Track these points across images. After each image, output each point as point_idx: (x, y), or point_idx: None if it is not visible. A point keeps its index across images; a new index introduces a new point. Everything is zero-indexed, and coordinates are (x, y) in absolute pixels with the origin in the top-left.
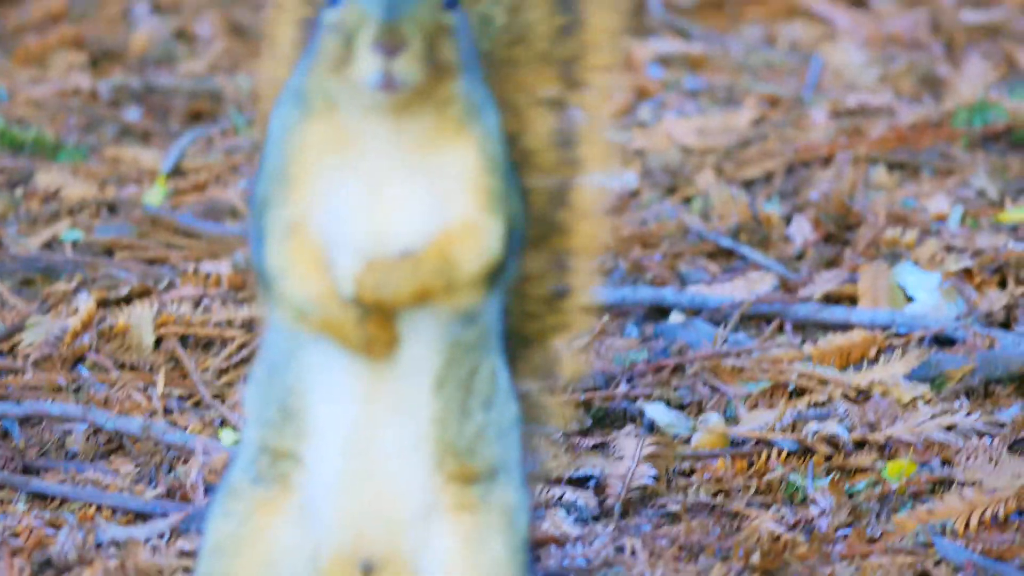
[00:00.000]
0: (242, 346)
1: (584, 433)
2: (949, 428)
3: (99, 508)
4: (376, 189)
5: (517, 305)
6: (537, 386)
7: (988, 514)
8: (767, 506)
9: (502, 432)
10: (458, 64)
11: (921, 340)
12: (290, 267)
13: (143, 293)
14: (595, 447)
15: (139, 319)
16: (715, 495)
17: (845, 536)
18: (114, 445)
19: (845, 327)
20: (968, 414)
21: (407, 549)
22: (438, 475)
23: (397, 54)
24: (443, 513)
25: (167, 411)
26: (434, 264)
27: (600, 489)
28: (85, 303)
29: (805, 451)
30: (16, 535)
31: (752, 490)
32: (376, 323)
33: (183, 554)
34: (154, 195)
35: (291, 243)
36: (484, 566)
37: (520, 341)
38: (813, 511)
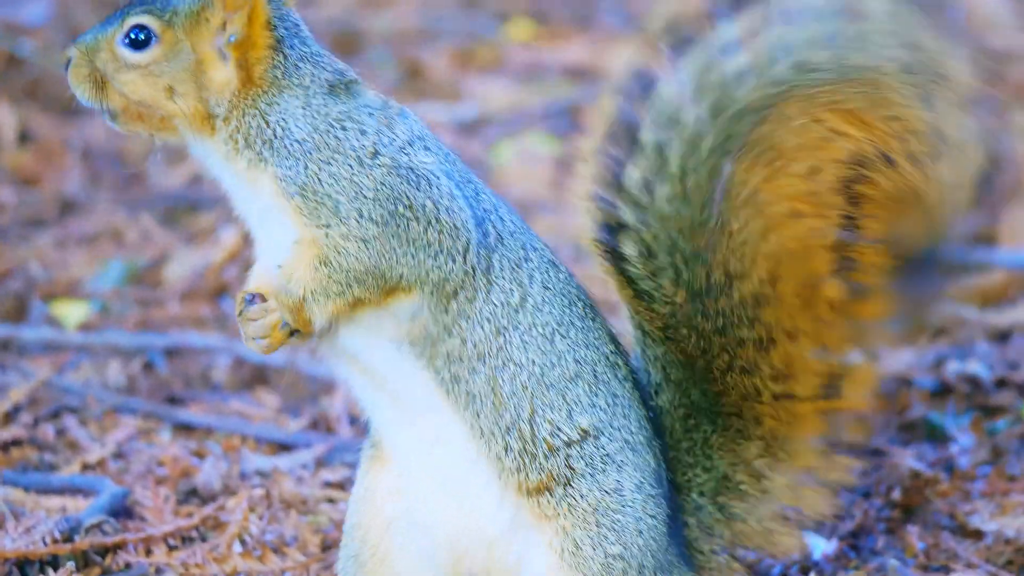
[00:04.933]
0: None
1: None
2: None
3: (243, 439)
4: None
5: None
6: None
7: None
8: (908, 444)
9: (570, 440)
10: (131, 88)
11: None
12: None
13: None
14: None
15: None
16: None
17: (985, 474)
18: (258, 377)
19: (986, 268)
20: None
21: (505, 565)
22: (509, 489)
23: (68, 74)
24: (529, 527)
25: None
26: None
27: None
28: (229, 236)
29: (946, 390)
30: (162, 464)
31: (893, 428)
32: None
33: (327, 484)
34: None
35: None
36: (579, 568)
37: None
38: (953, 449)
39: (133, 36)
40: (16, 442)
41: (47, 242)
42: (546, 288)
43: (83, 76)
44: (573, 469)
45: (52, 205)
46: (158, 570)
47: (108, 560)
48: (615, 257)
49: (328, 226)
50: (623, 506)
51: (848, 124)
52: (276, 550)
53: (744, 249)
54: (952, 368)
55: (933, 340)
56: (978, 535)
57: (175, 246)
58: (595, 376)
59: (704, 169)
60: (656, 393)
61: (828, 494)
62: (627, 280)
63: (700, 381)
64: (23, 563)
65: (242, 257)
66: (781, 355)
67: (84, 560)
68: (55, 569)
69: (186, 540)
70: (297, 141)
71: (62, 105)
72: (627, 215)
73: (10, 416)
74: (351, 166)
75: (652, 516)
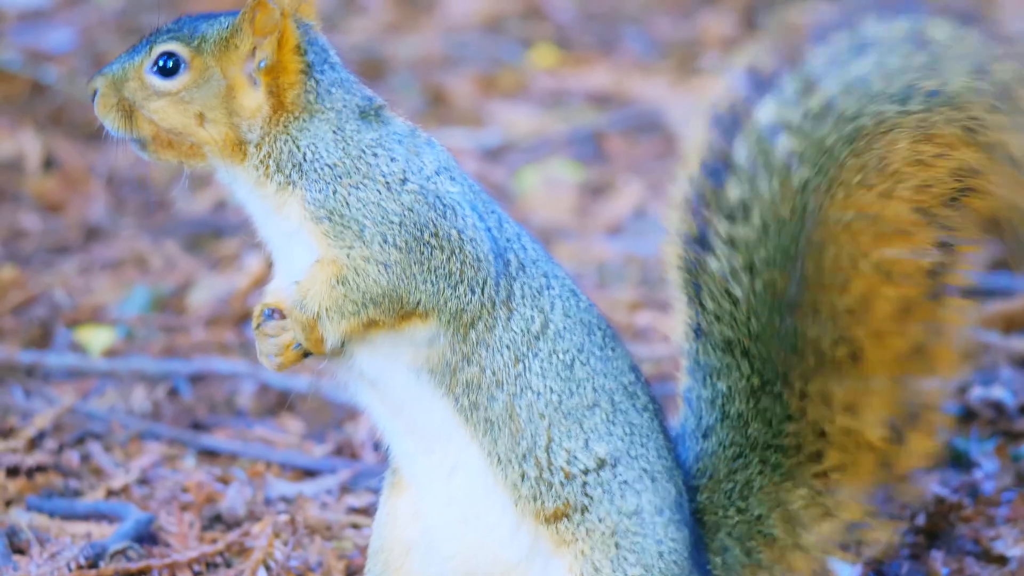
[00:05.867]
0: None
1: None
2: None
3: (268, 464)
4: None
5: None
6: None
7: None
8: (932, 469)
9: (586, 469)
10: (165, 119)
11: None
12: None
13: None
14: None
15: None
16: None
17: (1009, 499)
18: (282, 403)
19: (1009, 294)
20: None
21: None
22: (526, 516)
23: (95, 105)
24: (547, 553)
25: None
26: None
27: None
28: (253, 262)
29: (970, 415)
30: (186, 490)
31: None
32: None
33: (352, 510)
34: None
35: None
36: None
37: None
38: (977, 475)
39: (162, 64)
40: (41, 468)
41: (72, 268)
42: (567, 316)
43: (111, 106)
44: (590, 496)
45: (77, 231)
46: None
47: None
48: (695, 271)
49: (351, 247)
50: (643, 528)
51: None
52: None
53: (837, 269)
54: (976, 394)
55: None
56: (1002, 561)
57: (199, 272)
58: (613, 405)
59: (794, 199)
60: (704, 436)
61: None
62: (699, 303)
63: (764, 410)
64: None
65: (265, 283)
66: (857, 379)
67: None
68: None
69: (211, 566)
70: (328, 166)
71: (86, 132)
72: (721, 229)
73: (35, 442)
74: (379, 191)
75: (673, 540)
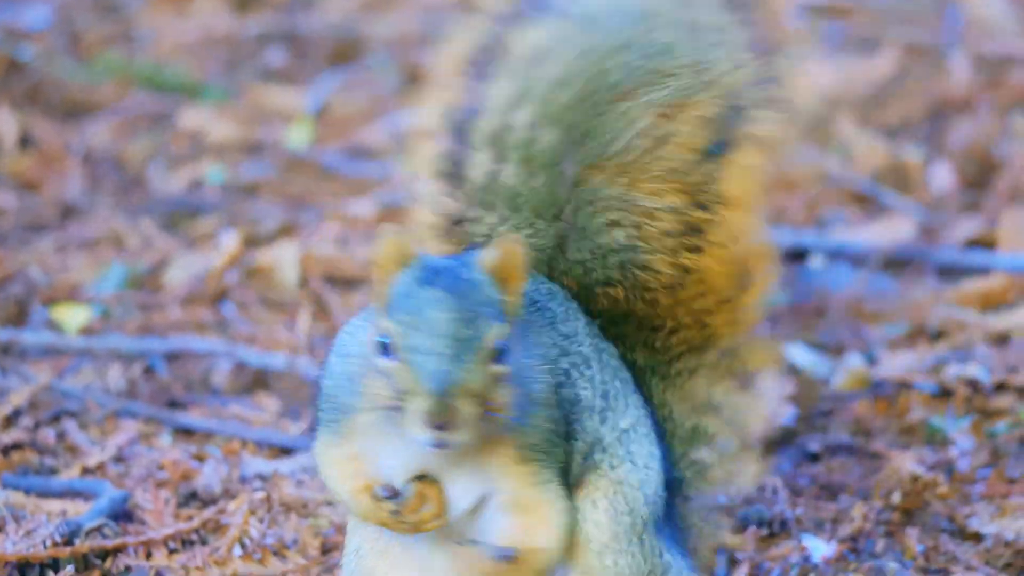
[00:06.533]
0: None
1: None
2: None
3: (244, 442)
4: (429, 471)
5: (687, 314)
6: (729, 392)
7: None
8: (907, 447)
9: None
10: (508, 406)
11: None
12: (333, 471)
13: (287, 232)
14: (736, 387)
15: (283, 258)
16: (855, 436)
17: (985, 477)
18: (258, 381)
19: (985, 271)
20: None
21: None
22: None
23: (447, 429)
24: None
25: (311, 348)
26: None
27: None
28: (229, 241)
29: (946, 393)
30: (162, 468)
31: (892, 431)
32: (411, 511)
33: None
34: (297, 136)
35: (338, 460)
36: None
37: (692, 348)
38: (953, 452)
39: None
40: (16, 446)
41: (48, 247)
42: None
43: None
44: (612, 460)
45: (53, 210)
46: (158, 573)
47: (108, 563)
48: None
49: None
50: (639, 477)
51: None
52: (276, 553)
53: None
54: (952, 371)
55: (933, 343)
56: (977, 538)
57: (176, 251)
58: (623, 382)
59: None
60: None
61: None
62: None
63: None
64: (23, 566)
65: (242, 262)
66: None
67: (84, 563)
68: (55, 572)
69: (186, 543)
70: None
71: (63, 110)
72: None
73: (10, 420)
74: None
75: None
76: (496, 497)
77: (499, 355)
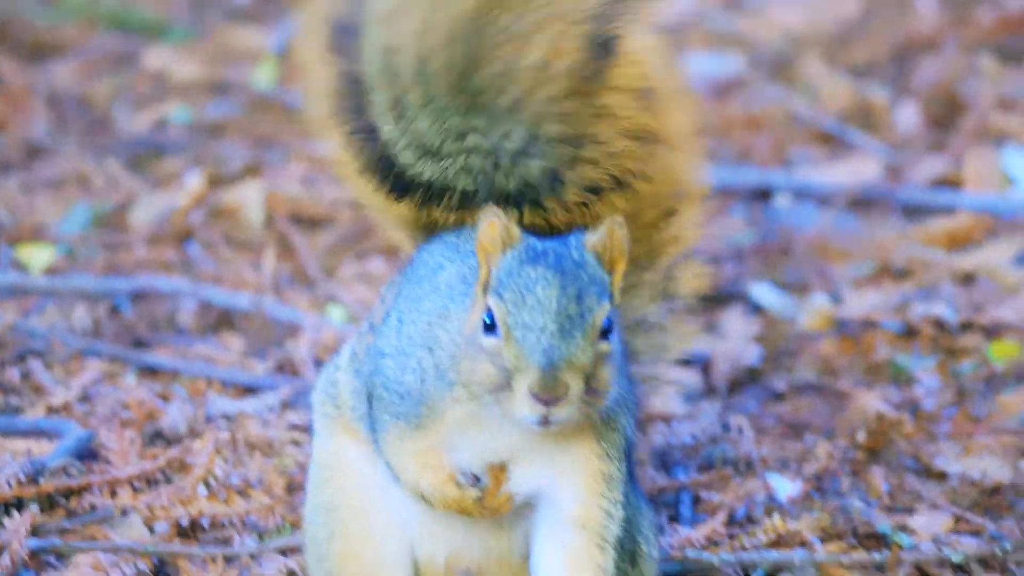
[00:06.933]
0: (350, 225)
1: (691, 313)
2: None
3: (209, 382)
4: (503, 455)
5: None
6: (658, 308)
7: None
8: (873, 386)
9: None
10: (611, 386)
11: None
12: (411, 465)
13: (252, 172)
14: (702, 327)
15: (248, 197)
16: (821, 375)
17: (950, 416)
18: (224, 321)
19: (951, 211)
20: None
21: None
22: None
23: (556, 404)
24: None
25: (276, 288)
26: None
27: (707, 368)
28: (195, 181)
29: (911, 332)
30: (127, 407)
31: (858, 370)
32: (492, 497)
33: (292, 427)
34: (263, 76)
35: (415, 454)
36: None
37: (634, 266)
38: (918, 391)
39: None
40: None
41: (13, 186)
42: None
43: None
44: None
45: (18, 150)
46: (123, 512)
47: (73, 502)
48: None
49: None
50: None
51: None
52: (241, 492)
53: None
54: (918, 310)
55: (899, 282)
56: (943, 477)
57: (141, 191)
58: None
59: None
60: None
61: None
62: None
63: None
64: None
65: (207, 202)
66: None
67: (49, 502)
68: (20, 511)
69: (151, 482)
70: None
71: (28, 51)
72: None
73: None
74: None
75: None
76: (562, 503)
77: (605, 333)
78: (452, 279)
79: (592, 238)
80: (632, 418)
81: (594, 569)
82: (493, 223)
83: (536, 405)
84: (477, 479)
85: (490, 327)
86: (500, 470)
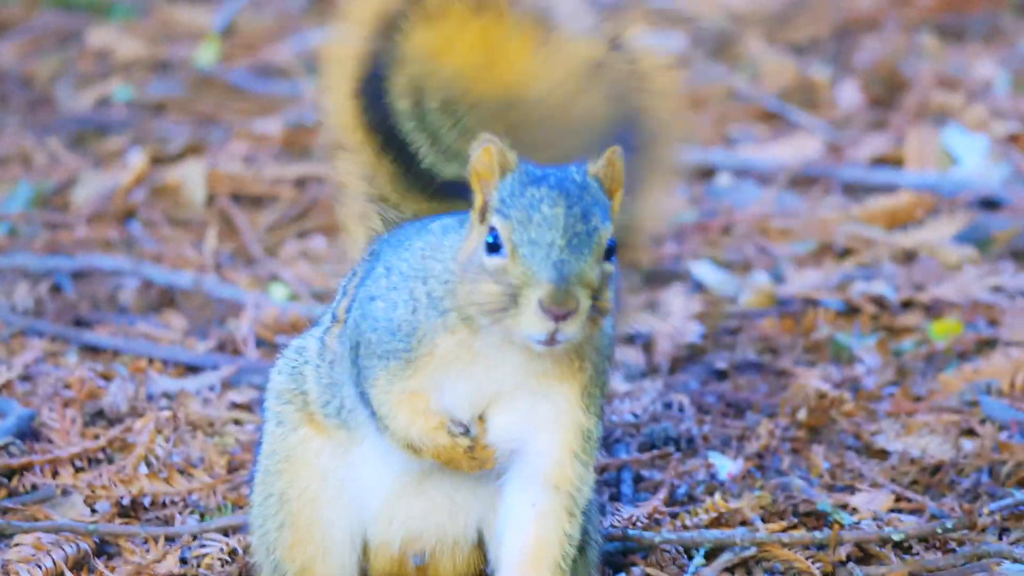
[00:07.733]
0: (292, 203)
1: (633, 292)
2: (995, 289)
3: (150, 361)
4: (490, 396)
5: None
6: None
7: None
8: (814, 364)
9: None
10: (612, 307)
11: (967, 202)
12: (402, 412)
13: (194, 150)
14: (644, 305)
15: (190, 176)
16: (762, 353)
17: (891, 394)
18: (165, 299)
19: (892, 189)
20: (1014, 275)
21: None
22: None
23: (567, 319)
24: None
25: (218, 266)
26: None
27: (648, 346)
28: (137, 160)
29: (852, 311)
30: (68, 387)
31: (799, 348)
32: (481, 447)
33: (234, 406)
34: (206, 54)
35: (406, 398)
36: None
37: None
38: (859, 370)
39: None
40: None
41: None
42: None
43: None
44: None
45: None
46: (64, 491)
47: (14, 481)
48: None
49: None
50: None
51: None
52: (182, 471)
53: None
54: (858, 289)
55: (840, 261)
56: (883, 455)
57: (83, 169)
58: None
59: None
60: None
61: None
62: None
63: None
64: None
65: (149, 180)
66: None
67: None
68: None
69: (92, 462)
70: None
71: None
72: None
73: None
74: None
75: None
76: (538, 459)
77: (608, 254)
78: (445, 221)
79: (594, 165)
80: (606, 390)
81: (560, 537)
82: (488, 149)
83: (546, 320)
84: (467, 429)
85: (493, 247)
86: (483, 423)
